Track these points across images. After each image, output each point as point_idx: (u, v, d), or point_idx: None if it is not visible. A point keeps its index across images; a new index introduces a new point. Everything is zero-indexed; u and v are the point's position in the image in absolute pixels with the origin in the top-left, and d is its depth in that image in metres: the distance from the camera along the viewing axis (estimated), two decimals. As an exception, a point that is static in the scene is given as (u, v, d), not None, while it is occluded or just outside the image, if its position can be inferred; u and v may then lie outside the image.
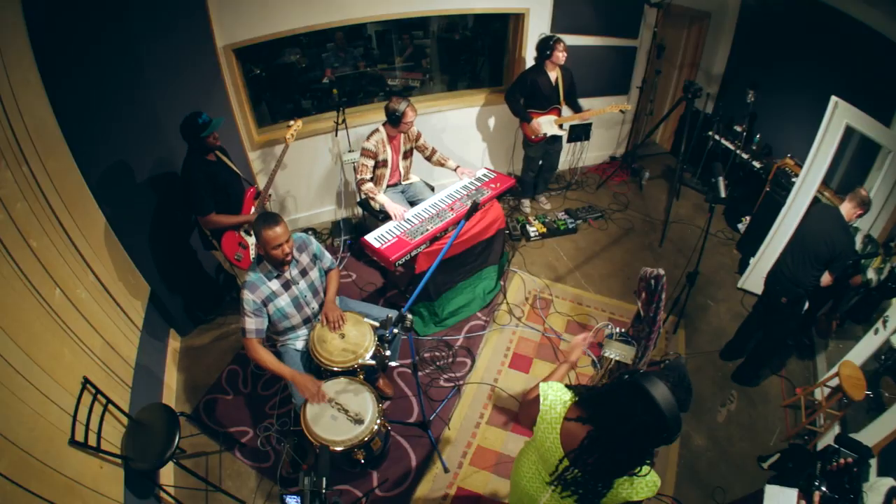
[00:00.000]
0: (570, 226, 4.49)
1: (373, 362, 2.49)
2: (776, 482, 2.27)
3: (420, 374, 3.23)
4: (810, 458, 2.54)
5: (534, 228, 4.42)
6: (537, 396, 1.49)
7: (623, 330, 3.03)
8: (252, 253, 3.15)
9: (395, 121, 3.34)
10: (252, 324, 2.39)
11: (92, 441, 2.09)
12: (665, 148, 5.82)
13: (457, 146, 4.70)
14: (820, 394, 3.01)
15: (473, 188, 3.54)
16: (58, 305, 2.18)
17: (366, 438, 2.26)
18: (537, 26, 4.31)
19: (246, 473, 2.75)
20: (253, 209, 3.16)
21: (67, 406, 2.05)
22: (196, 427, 2.93)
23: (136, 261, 2.99)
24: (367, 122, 4.18)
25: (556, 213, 4.65)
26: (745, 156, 4.50)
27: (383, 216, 3.56)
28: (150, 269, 3.09)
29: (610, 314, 3.75)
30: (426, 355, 3.37)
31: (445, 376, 3.25)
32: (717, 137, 4.75)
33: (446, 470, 2.75)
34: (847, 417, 2.80)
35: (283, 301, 2.47)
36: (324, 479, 1.76)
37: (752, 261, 3.85)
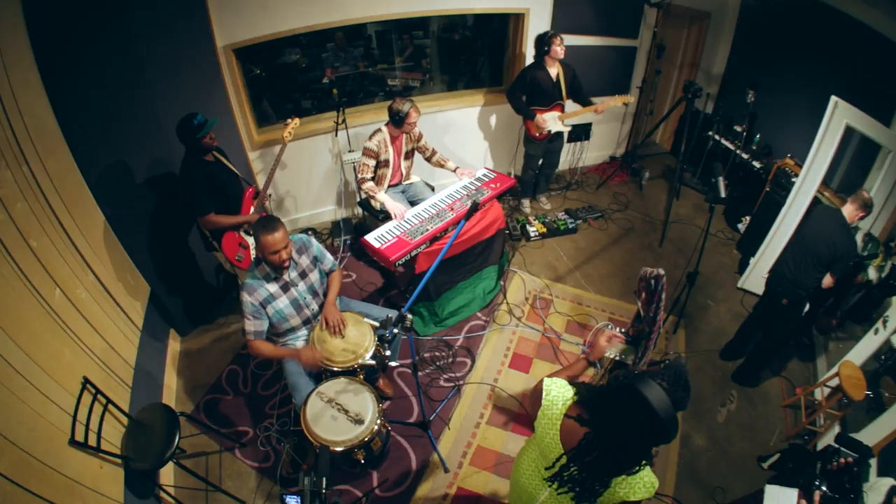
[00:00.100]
0: (570, 226, 4.49)
1: (373, 362, 2.49)
2: (776, 482, 2.27)
3: (420, 374, 3.24)
4: (810, 458, 2.54)
5: (534, 228, 4.42)
6: (542, 390, 1.50)
7: (623, 330, 3.03)
8: (253, 253, 3.15)
9: (398, 121, 3.34)
10: (252, 326, 2.41)
11: (92, 441, 2.09)
12: (665, 148, 5.82)
13: (457, 146, 4.70)
14: (820, 394, 3.01)
15: (473, 188, 3.54)
16: (58, 305, 2.19)
17: (366, 438, 2.26)
18: (537, 26, 4.31)
19: (246, 473, 2.75)
20: (252, 209, 3.16)
21: (67, 406, 2.05)
22: (196, 427, 2.93)
23: (136, 261, 2.99)
24: (367, 122, 4.18)
25: (556, 213, 4.65)
26: (745, 156, 4.50)
27: (383, 216, 3.56)
28: (149, 269, 3.09)
29: (610, 314, 3.75)
30: (426, 355, 3.37)
31: (445, 376, 3.25)
32: (717, 137, 4.75)
33: (446, 470, 2.75)
34: (847, 417, 2.80)
35: (282, 303, 2.47)
36: (324, 479, 1.76)
37: (752, 261, 3.86)
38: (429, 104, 4.45)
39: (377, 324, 2.61)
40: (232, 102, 3.67)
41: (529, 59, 4.24)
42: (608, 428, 1.29)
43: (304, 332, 2.66)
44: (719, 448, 2.94)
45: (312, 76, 4.47)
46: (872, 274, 3.08)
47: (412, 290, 2.77)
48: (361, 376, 2.53)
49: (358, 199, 4.16)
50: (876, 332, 2.85)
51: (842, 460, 2.28)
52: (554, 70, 3.95)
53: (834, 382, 2.76)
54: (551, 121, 4.11)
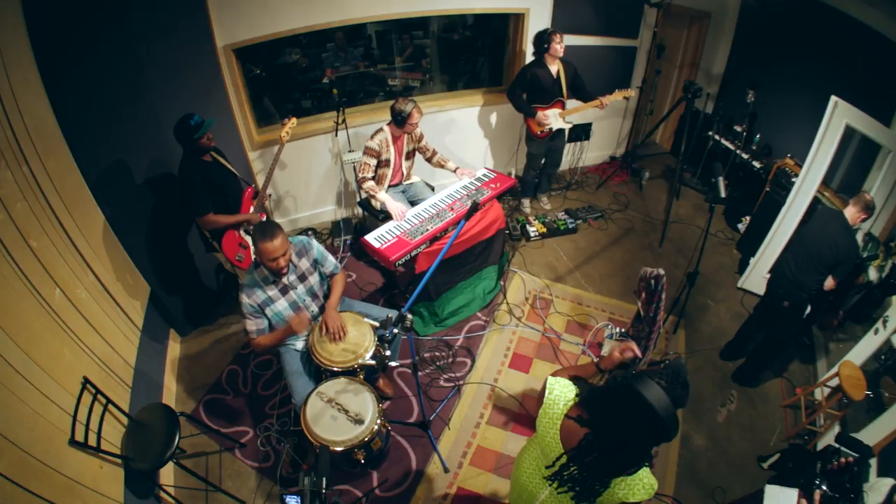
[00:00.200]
0: (570, 226, 4.49)
1: (373, 362, 2.49)
2: (776, 482, 2.27)
3: (420, 374, 3.24)
4: (810, 458, 2.54)
5: (534, 228, 4.42)
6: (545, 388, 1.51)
7: (623, 330, 3.04)
8: (253, 253, 3.15)
9: (400, 122, 3.35)
10: (253, 325, 2.42)
11: (92, 441, 2.09)
12: (665, 148, 5.82)
13: (457, 146, 4.70)
14: (820, 394, 3.01)
15: (473, 188, 3.54)
16: (58, 305, 2.19)
17: (366, 438, 2.26)
18: (537, 26, 4.30)
19: (246, 473, 2.75)
20: (252, 209, 3.16)
21: (67, 406, 2.05)
22: (196, 427, 2.93)
23: (136, 261, 2.99)
24: (367, 122, 4.18)
25: (556, 213, 4.65)
26: (745, 156, 4.50)
27: (383, 216, 3.56)
28: (149, 269, 3.09)
29: (610, 314, 3.75)
30: (426, 355, 3.37)
31: (445, 376, 3.25)
32: (717, 137, 4.75)
33: (446, 470, 2.75)
34: (847, 417, 2.80)
35: (281, 306, 2.47)
36: (324, 479, 1.76)
37: (752, 261, 3.86)
38: (429, 104, 4.45)
39: (377, 324, 2.61)
40: (232, 102, 3.67)
41: (529, 59, 4.24)
42: (608, 428, 1.29)
43: (303, 332, 2.66)
44: (719, 448, 2.94)
45: (312, 76, 4.47)
46: (873, 274, 3.08)
47: (412, 290, 2.77)
48: (361, 376, 2.53)
49: (358, 199, 4.16)
50: (876, 332, 2.85)
51: (842, 460, 2.28)
52: (554, 67, 3.94)
53: (834, 382, 2.76)
54: (552, 117, 4.10)
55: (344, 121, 3.93)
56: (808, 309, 3.01)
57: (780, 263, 3.01)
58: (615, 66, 4.83)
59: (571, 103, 4.20)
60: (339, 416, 2.31)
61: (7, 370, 1.78)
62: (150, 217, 3.08)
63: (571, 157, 5.17)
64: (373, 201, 3.58)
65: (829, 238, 2.73)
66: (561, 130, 4.24)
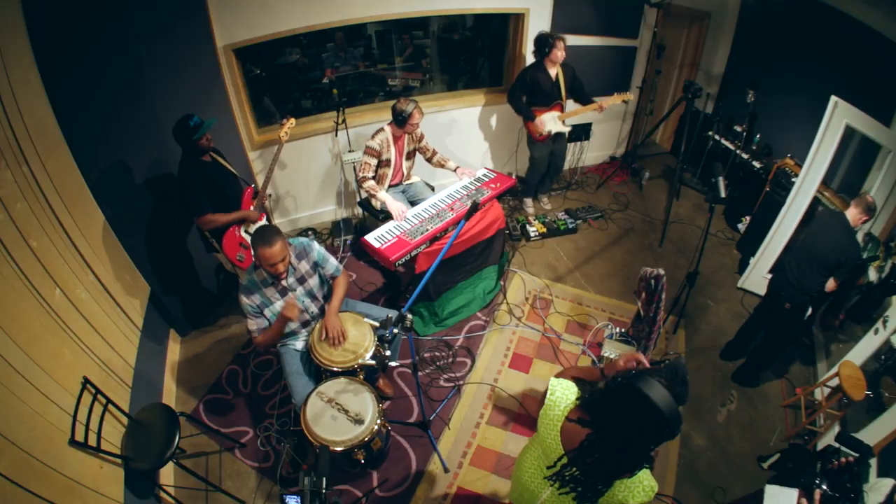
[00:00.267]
0: (570, 226, 4.49)
1: (373, 362, 2.49)
2: (776, 482, 2.27)
3: (420, 374, 3.23)
4: (810, 458, 2.54)
5: (534, 228, 4.42)
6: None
7: (623, 330, 3.04)
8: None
9: (401, 122, 3.35)
10: (255, 324, 2.43)
11: (92, 441, 2.09)
12: (665, 148, 5.82)
13: (457, 146, 4.70)
14: (820, 394, 3.01)
15: (473, 188, 3.54)
16: (58, 305, 2.19)
17: (366, 438, 2.26)
18: (537, 26, 4.30)
19: (246, 473, 2.75)
20: (252, 208, 3.16)
21: (67, 406, 2.05)
22: (196, 427, 2.93)
23: (136, 261, 2.99)
24: (367, 122, 4.18)
25: (556, 213, 4.65)
26: (745, 156, 4.50)
27: (383, 216, 3.56)
28: (149, 269, 3.09)
29: (610, 314, 3.75)
30: (426, 355, 3.37)
31: (445, 376, 3.25)
32: (717, 137, 4.75)
33: (446, 470, 2.75)
34: (847, 417, 2.80)
35: (280, 306, 2.47)
36: (324, 479, 1.76)
37: (752, 261, 3.86)
38: (429, 104, 4.45)
39: (377, 324, 2.61)
40: (232, 102, 3.67)
41: (529, 59, 4.24)
42: (611, 429, 1.29)
43: (303, 332, 2.66)
44: (719, 448, 2.94)
45: (312, 76, 4.47)
46: (872, 275, 3.08)
47: (412, 290, 2.77)
48: (361, 376, 2.53)
49: (358, 199, 4.16)
50: (876, 332, 2.85)
51: (842, 459, 2.28)
52: (553, 71, 3.95)
53: (834, 382, 2.76)
54: (550, 121, 4.11)
55: (344, 121, 3.93)
56: (810, 311, 3.01)
57: (782, 266, 3.00)
58: (615, 66, 4.83)
59: (570, 106, 4.22)
60: (339, 416, 2.31)
61: (7, 370, 1.78)
62: (150, 217, 3.08)
63: (571, 157, 5.17)
64: (373, 201, 3.58)
65: (831, 240, 2.73)
66: (561, 133, 4.25)
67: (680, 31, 5.19)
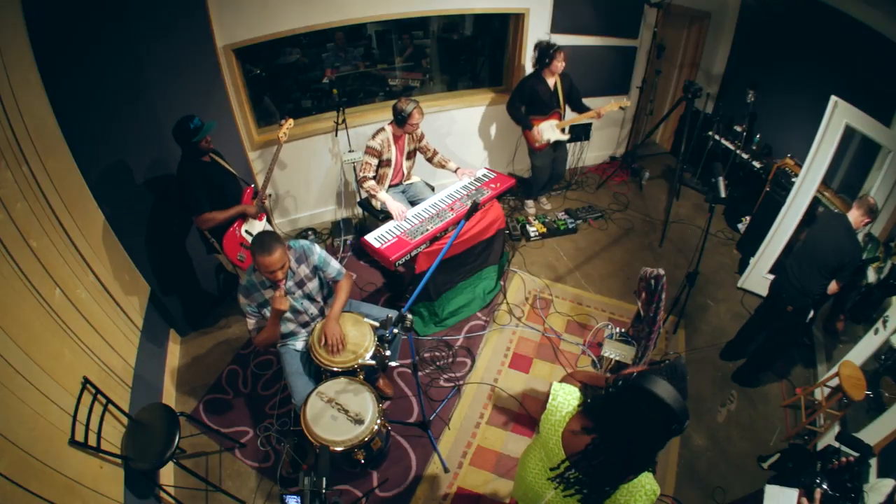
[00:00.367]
0: (570, 226, 4.49)
1: (373, 362, 2.49)
2: (776, 482, 2.26)
3: (420, 374, 3.23)
4: (810, 458, 2.54)
5: (534, 228, 4.42)
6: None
7: (623, 330, 3.04)
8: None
9: (401, 121, 3.36)
10: (254, 324, 2.43)
11: (92, 441, 2.09)
12: (665, 148, 5.82)
13: (457, 146, 4.71)
14: (820, 394, 3.01)
15: (473, 188, 3.54)
16: (58, 305, 2.18)
17: (366, 438, 2.26)
18: (537, 26, 4.31)
19: (246, 473, 2.75)
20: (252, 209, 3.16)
21: (67, 406, 2.05)
22: (196, 427, 2.93)
23: (136, 261, 2.99)
24: (367, 122, 4.18)
25: (556, 213, 4.65)
26: (745, 156, 4.50)
27: (383, 216, 3.56)
28: (149, 269, 3.09)
29: (610, 314, 3.75)
30: (426, 355, 3.37)
31: (445, 376, 3.25)
32: (717, 137, 4.75)
33: (446, 470, 2.75)
34: (847, 417, 2.80)
35: None
36: (324, 479, 1.76)
37: (752, 261, 3.86)
38: (429, 104, 4.45)
39: (377, 324, 2.61)
40: (232, 102, 3.67)
41: (529, 59, 4.24)
42: (618, 432, 1.28)
43: (303, 333, 2.66)
44: (719, 448, 2.94)
45: (312, 76, 4.47)
46: (871, 276, 3.07)
47: (412, 290, 2.77)
48: (361, 376, 2.53)
49: (358, 199, 4.16)
50: (876, 332, 2.85)
51: (843, 459, 2.28)
52: (552, 80, 3.99)
53: (834, 382, 2.76)
54: (548, 129, 4.14)
55: (344, 121, 3.93)
56: (811, 314, 3.00)
57: (784, 268, 2.97)
58: (615, 66, 4.83)
59: (568, 115, 4.23)
60: (339, 416, 2.31)
61: (7, 370, 1.77)
62: (150, 217, 3.08)
63: (571, 157, 5.17)
64: (373, 201, 3.58)
65: (833, 242, 2.72)
66: (561, 141, 4.27)
67: (680, 31, 5.19)
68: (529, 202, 4.72)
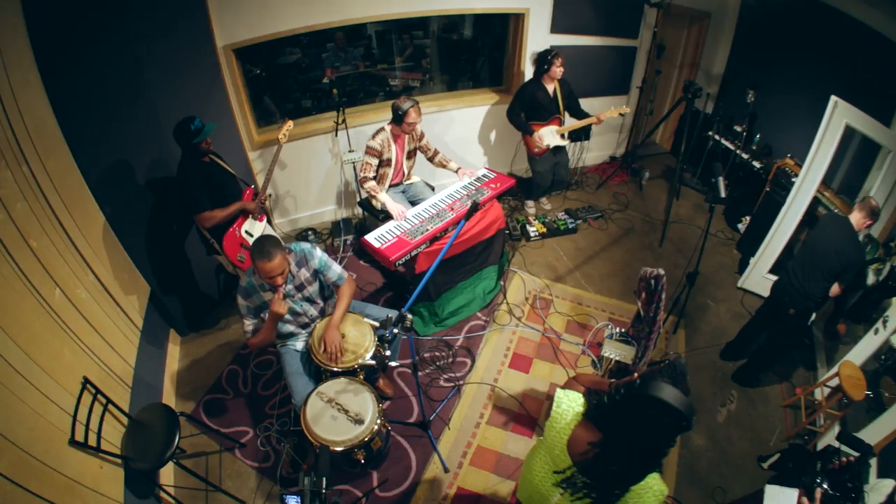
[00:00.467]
0: (570, 226, 4.49)
1: (373, 362, 2.49)
2: (776, 482, 2.26)
3: (420, 374, 3.23)
4: (810, 458, 2.54)
5: (534, 228, 4.42)
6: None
7: (623, 330, 3.03)
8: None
9: (398, 119, 3.36)
10: (251, 326, 2.43)
11: (92, 441, 2.09)
12: (665, 148, 5.82)
13: (457, 146, 4.71)
14: (820, 394, 3.01)
15: (473, 188, 3.54)
16: (58, 305, 2.18)
17: (366, 438, 2.26)
18: (537, 26, 4.31)
19: (246, 473, 2.75)
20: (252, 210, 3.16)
21: (67, 406, 2.05)
22: (196, 427, 2.93)
23: (136, 261, 2.99)
24: (367, 122, 4.18)
25: (556, 213, 4.65)
26: (745, 156, 4.50)
27: (383, 216, 3.56)
28: (149, 269, 3.09)
29: (610, 314, 3.75)
30: (426, 355, 3.37)
31: (445, 376, 3.25)
32: (717, 137, 4.75)
33: (446, 470, 2.75)
34: (847, 417, 2.80)
35: None
36: (324, 479, 1.76)
37: (752, 261, 3.86)
38: (429, 104, 4.45)
39: (377, 324, 2.60)
40: (232, 102, 3.67)
41: (529, 58, 4.25)
42: (628, 438, 1.30)
43: (303, 333, 2.66)
44: (719, 448, 2.94)
45: (312, 76, 4.47)
46: (871, 278, 3.07)
47: (412, 289, 2.77)
48: (361, 376, 2.53)
49: (358, 199, 4.16)
50: (876, 332, 2.85)
51: (843, 459, 2.28)
52: (551, 86, 4.01)
53: (834, 382, 2.76)
54: (548, 135, 4.15)
55: (344, 121, 3.93)
56: (814, 316, 2.99)
57: (786, 272, 2.96)
58: (615, 66, 4.83)
59: (568, 120, 4.25)
60: (339, 416, 2.31)
61: (7, 370, 1.77)
62: (150, 217, 3.08)
63: (571, 157, 5.17)
64: (373, 201, 3.58)
65: (836, 245, 2.71)
66: (561, 146, 4.28)
67: (680, 31, 5.19)
68: (529, 202, 4.73)
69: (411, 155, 3.70)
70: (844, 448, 2.38)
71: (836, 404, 2.81)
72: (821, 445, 2.75)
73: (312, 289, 2.56)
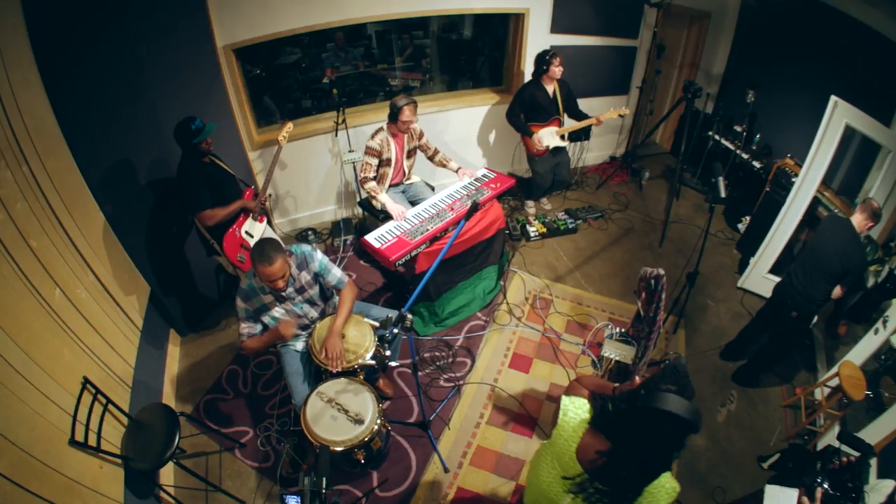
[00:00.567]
0: (570, 226, 4.49)
1: (373, 362, 2.49)
2: (776, 482, 2.26)
3: (420, 374, 3.23)
4: (810, 458, 2.54)
5: (534, 228, 4.42)
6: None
7: (623, 330, 3.03)
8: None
9: (393, 117, 3.37)
10: (246, 329, 2.43)
11: (92, 441, 2.09)
12: (665, 148, 5.82)
13: (457, 146, 4.71)
14: (820, 394, 3.01)
15: (473, 188, 3.54)
16: (58, 305, 2.18)
17: (366, 438, 2.26)
18: (537, 26, 4.31)
19: (246, 473, 2.75)
20: (251, 211, 3.16)
21: (67, 406, 2.05)
22: (196, 427, 2.93)
23: (136, 261, 2.99)
24: (367, 122, 4.18)
25: (556, 213, 4.65)
26: (745, 156, 4.50)
27: (383, 216, 3.56)
28: (149, 270, 3.09)
29: (610, 314, 3.75)
30: (426, 355, 3.37)
31: (445, 376, 3.25)
32: (717, 137, 4.75)
33: (446, 470, 2.75)
34: (847, 417, 2.80)
35: (278, 312, 2.46)
36: (324, 479, 1.76)
37: (752, 261, 3.86)
38: (429, 104, 4.45)
39: (377, 324, 2.60)
40: (232, 102, 3.67)
41: (529, 59, 4.25)
42: (638, 449, 1.31)
43: (303, 334, 2.66)
44: (719, 448, 2.94)
45: (312, 76, 4.47)
46: (870, 279, 3.07)
47: (412, 289, 2.77)
48: (361, 376, 2.53)
49: (358, 199, 4.16)
50: (876, 332, 2.85)
51: (843, 459, 2.28)
52: (550, 87, 4.01)
53: (834, 382, 2.76)
54: (547, 136, 4.15)
55: (344, 121, 3.93)
56: (815, 319, 2.99)
57: (788, 274, 2.96)
58: (615, 66, 4.83)
59: (568, 122, 4.25)
60: (339, 416, 2.31)
61: (7, 370, 1.77)
62: (150, 217, 3.08)
63: (571, 156, 5.17)
64: (373, 202, 3.58)
65: (839, 248, 2.70)
66: (561, 147, 4.28)
67: (680, 31, 5.19)
68: (529, 202, 4.73)
69: (411, 154, 3.70)
70: (845, 448, 2.38)
71: (836, 404, 2.81)
72: (821, 445, 2.75)
73: (313, 291, 2.56)
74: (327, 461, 1.89)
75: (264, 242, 2.24)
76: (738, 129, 4.56)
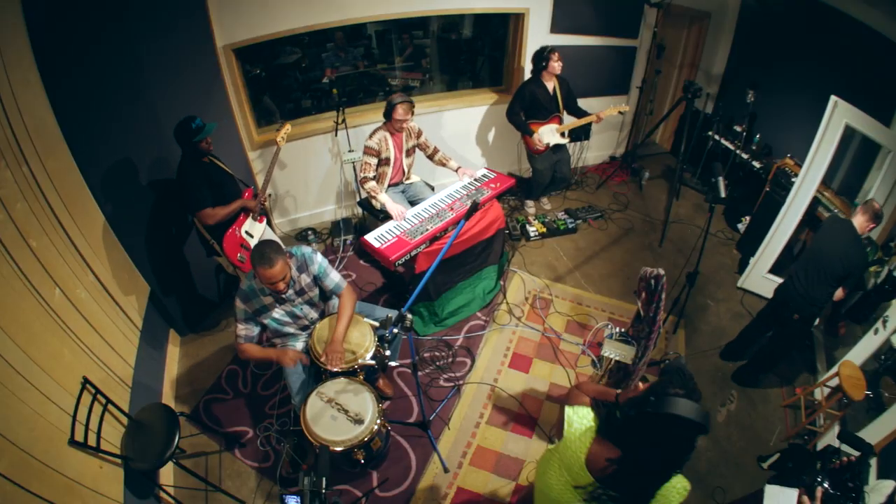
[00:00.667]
0: (570, 226, 4.49)
1: (373, 362, 2.49)
2: (776, 482, 2.26)
3: (420, 374, 3.23)
4: (810, 458, 2.54)
5: (534, 228, 4.42)
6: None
7: (623, 330, 3.03)
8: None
9: (387, 114, 3.37)
10: (243, 331, 2.41)
11: (92, 441, 2.09)
12: (665, 148, 5.82)
13: (457, 146, 4.71)
14: (820, 394, 3.01)
15: (473, 188, 3.54)
16: (58, 305, 2.19)
17: (366, 438, 2.26)
18: (537, 26, 4.31)
19: (246, 473, 2.75)
20: (251, 212, 3.16)
21: (67, 406, 2.05)
22: (196, 427, 2.93)
23: (136, 261, 2.99)
24: (367, 122, 4.18)
25: (556, 213, 4.65)
26: (745, 156, 4.50)
27: (383, 216, 3.56)
28: (149, 269, 3.09)
29: (610, 314, 3.74)
30: (426, 355, 3.37)
31: (445, 376, 3.25)
32: (717, 137, 4.75)
33: (446, 470, 2.75)
34: (847, 417, 2.80)
35: (278, 314, 2.46)
36: (324, 479, 1.76)
37: (751, 261, 3.86)
38: (429, 104, 4.46)
39: (377, 324, 2.60)
40: (232, 102, 3.67)
41: (529, 58, 4.24)
42: (649, 454, 1.31)
43: (303, 335, 2.66)
44: (719, 448, 2.94)
45: (312, 76, 4.47)
46: (870, 280, 3.07)
47: (412, 289, 2.77)
48: (361, 376, 2.53)
49: (358, 199, 4.16)
50: (876, 332, 2.85)
51: (843, 458, 2.28)
52: (550, 84, 4.01)
53: (834, 382, 2.76)
54: (548, 134, 4.15)
55: (344, 121, 3.93)
56: (817, 321, 2.99)
57: (790, 276, 2.95)
58: (615, 66, 4.83)
59: (567, 119, 4.24)
60: (339, 416, 2.31)
61: (7, 370, 1.78)
62: (150, 217, 3.08)
63: (571, 156, 5.17)
64: (373, 202, 3.58)
65: (840, 250, 2.70)
66: (561, 144, 4.27)
67: (680, 31, 5.19)
68: (529, 202, 4.73)
69: (410, 153, 3.70)
70: (845, 447, 2.38)
71: (836, 404, 2.81)
72: (821, 445, 2.75)
73: (313, 293, 2.57)
74: (327, 461, 1.89)
75: (264, 244, 2.23)
76: (738, 129, 4.56)
